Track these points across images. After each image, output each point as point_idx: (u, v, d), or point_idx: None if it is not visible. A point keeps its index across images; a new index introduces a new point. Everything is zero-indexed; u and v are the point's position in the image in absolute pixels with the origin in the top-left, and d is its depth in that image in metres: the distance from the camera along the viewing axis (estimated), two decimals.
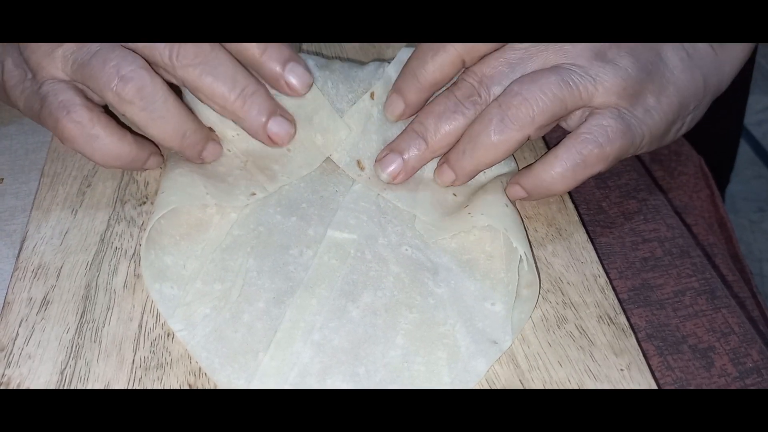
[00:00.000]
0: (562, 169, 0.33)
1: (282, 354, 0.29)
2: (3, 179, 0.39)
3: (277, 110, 0.35)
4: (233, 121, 0.35)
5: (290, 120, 0.35)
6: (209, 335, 0.30)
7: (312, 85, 0.35)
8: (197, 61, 0.32)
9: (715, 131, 0.70)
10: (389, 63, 0.38)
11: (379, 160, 0.36)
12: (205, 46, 0.33)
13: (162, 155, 0.36)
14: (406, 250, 0.34)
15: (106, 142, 0.33)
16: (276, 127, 0.34)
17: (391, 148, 0.36)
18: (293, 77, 0.34)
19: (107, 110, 0.34)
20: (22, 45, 0.33)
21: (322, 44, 0.46)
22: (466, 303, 0.32)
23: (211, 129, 0.36)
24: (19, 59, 0.34)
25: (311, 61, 0.37)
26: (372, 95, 0.37)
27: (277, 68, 0.34)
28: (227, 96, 0.33)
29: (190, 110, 0.34)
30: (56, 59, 0.33)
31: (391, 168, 0.35)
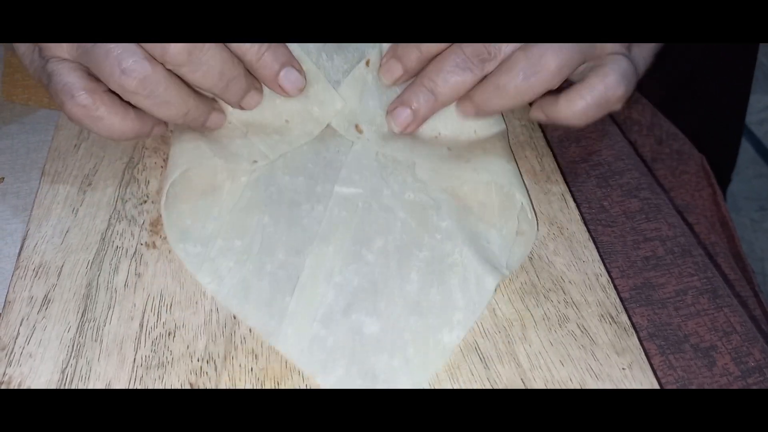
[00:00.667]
0: (585, 106, 0.34)
1: (307, 296, 0.32)
2: (4, 178, 0.39)
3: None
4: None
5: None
6: (236, 285, 0.32)
7: (304, 88, 0.36)
8: (189, 60, 0.32)
9: (717, 130, 0.70)
10: None
11: (390, 112, 0.37)
12: (198, 46, 0.32)
13: (166, 123, 0.37)
14: (409, 195, 0.36)
15: (111, 122, 0.33)
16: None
17: (401, 101, 0.37)
18: (287, 82, 0.36)
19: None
20: None
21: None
22: (469, 231, 0.34)
23: (214, 99, 0.36)
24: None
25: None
26: (367, 62, 0.38)
27: (273, 71, 0.35)
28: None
29: (191, 89, 0.34)
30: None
31: (402, 118, 0.37)
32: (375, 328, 0.31)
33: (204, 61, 0.33)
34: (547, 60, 0.33)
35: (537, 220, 0.36)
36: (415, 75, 0.37)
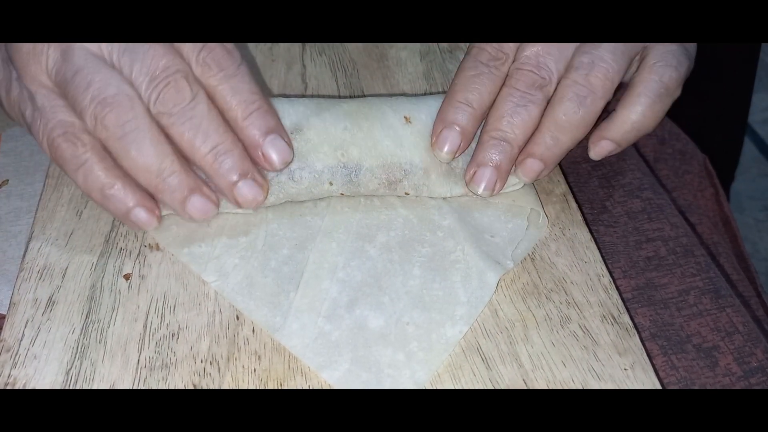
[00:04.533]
0: (649, 101, 0.33)
1: (312, 291, 0.32)
2: (8, 180, 0.39)
3: (249, 172, 0.32)
4: (205, 176, 0.33)
5: (263, 184, 0.33)
6: (241, 282, 0.33)
7: (291, 162, 0.33)
8: (174, 111, 0.31)
9: (719, 129, 0.70)
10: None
11: (472, 178, 0.34)
12: (187, 95, 0.31)
13: (155, 215, 0.33)
14: (411, 194, 0.36)
15: (93, 170, 0.31)
16: (245, 189, 0.32)
17: (478, 164, 0.34)
18: (272, 150, 0.32)
19: None
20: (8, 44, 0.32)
21: (325, 44, 0.47)
22: (471, 230, 0.35)
23: (206, 184, 0.33)
24: (4, 54, 0.33)
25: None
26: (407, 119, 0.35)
27: (257, 136, 0.32)
28: (198, 148, 0.31)
29: (174, 152, 0.31)
30: (41, 64, 0.31)
31: (486, 181, 0.34)
32: (379, 323, 0.31)
33: (194, 114, 0.31)
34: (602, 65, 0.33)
35: (548, 219, 0.36)
36: (471, 139, 0.35)
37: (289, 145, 0.33)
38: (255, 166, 0.33)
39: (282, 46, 0.46)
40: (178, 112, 0.31)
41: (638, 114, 0.34)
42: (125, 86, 0.31)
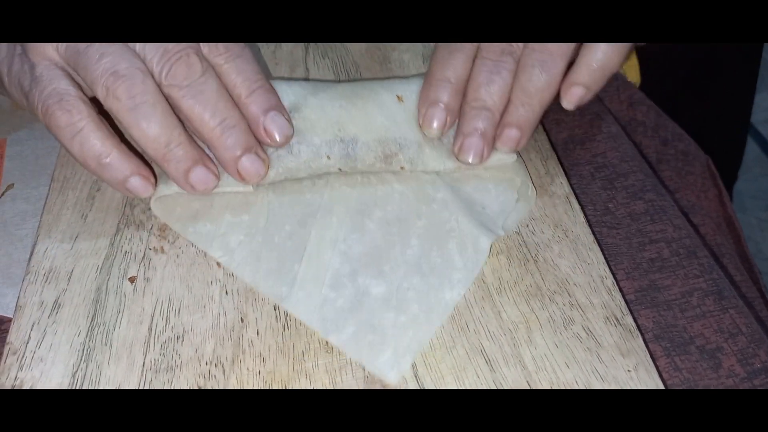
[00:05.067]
0: (607, 44, 0.35)
1: (315, 263, 0.34)
2: (14, 184, 0.40)
3: (253, 147, 0.34)
4: (209, 148, 0.34)
5: (264, 159, 0.34)
6: (247, 257, 0.34)
7: (292, 136, 0.35)
8: (185, 84, 0.32)
9: (722, 129, 0.70)
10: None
11: (460, 148, 0.36)
12: (197, 70, 0.32)
13: (150, 182, 0.34)
14: (407, 172, 0.37)
15: (89, 138, 0.32)
16: (248, 163, 0.33)
17: (464, 134, 0.36)
18: (273, 125, 0.34)
19: (103, 112, 0.33)
20: None
21: (328, 47, 0.47)
22: (464, 202, 0.36)
23: (208, 157, 0.34)
24: None
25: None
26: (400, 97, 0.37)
27: (259, 113, 0.33)
28: (206, 122, 0.32)
29: (181, 125, 0.33)
30: None
31: (474, 149, 0.36)
32: (381, 289, 0.33)
33: (204, 89, 0.32)
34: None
35: (536, 191, 0.37)
36: (457, 114, 0.36)
37: (289, 121, 0.34)
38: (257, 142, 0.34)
39: (285, 49, 0.46)
40: (189, 85, 0.32)
41: (602, 52, 0.35)
42: (137, 61, 0.32)
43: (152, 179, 0.34)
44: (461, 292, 0.33)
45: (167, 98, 0.32)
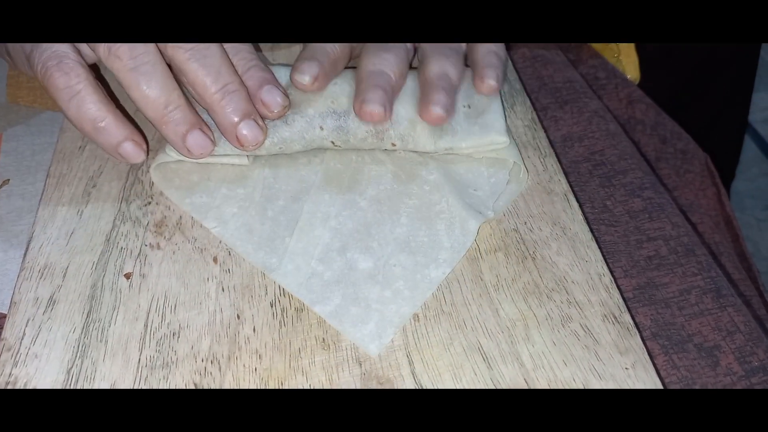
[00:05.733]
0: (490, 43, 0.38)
1: (306, 237, 0.34)
2: (9, 180, 0.39)
3: (252, 114, 0.34)
4: (209, 113, 0.35)
5: (262, 127, 0.35)
6: (240, 228, 0.35)
7: (288, 107, 0.35)
8: (189, 46, 0.32)
9: (720, 128, 0.70)
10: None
11: (360, 111, 0.35)
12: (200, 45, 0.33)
13: (142, 149, 0.34)
14: (400, 152, 0.38)
15: (85, 101, 0.32)
16: (246, 129, 0.34)
17: (363, 100, 0.35)
18: (269, 96, 0.34)
19: (100, 78, 0.34)
20: None
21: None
22: (455, 185, 0.37)
23: (205, 123, 0.35)
24: None
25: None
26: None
27: (256, 86, 0.34)
28: (208, 86, 0.33)
29: (180, 88, 0.33)
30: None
31: (375, 110, 0.35)
32: (368, 264, 0.34)
33: (208, 54, 0.33)
34: None
35: (528, 173, 0.38)
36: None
37: (285, 94, 0.35)
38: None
39: (282, 51, 0.46)
40: (194, 48, 0.33)
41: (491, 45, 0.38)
42: None
43: (144, 146, 0.34)
44: (446, 271, 0.33)
45: (170, 60, 0.33)
